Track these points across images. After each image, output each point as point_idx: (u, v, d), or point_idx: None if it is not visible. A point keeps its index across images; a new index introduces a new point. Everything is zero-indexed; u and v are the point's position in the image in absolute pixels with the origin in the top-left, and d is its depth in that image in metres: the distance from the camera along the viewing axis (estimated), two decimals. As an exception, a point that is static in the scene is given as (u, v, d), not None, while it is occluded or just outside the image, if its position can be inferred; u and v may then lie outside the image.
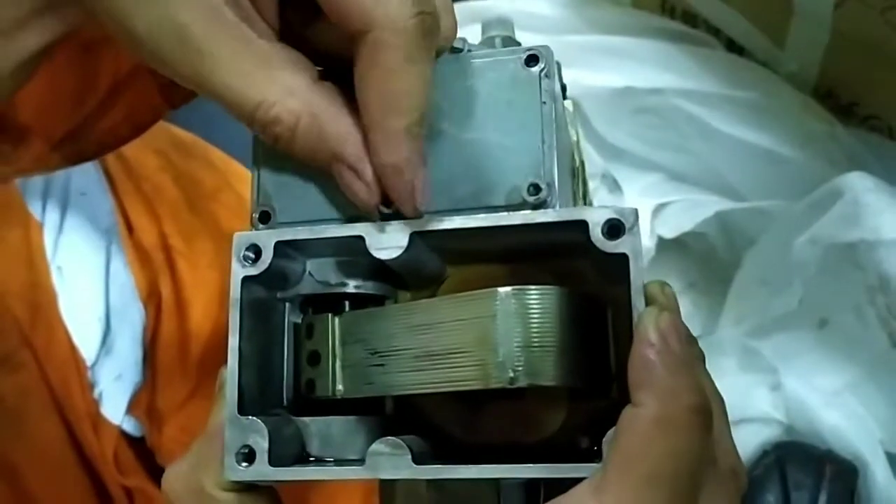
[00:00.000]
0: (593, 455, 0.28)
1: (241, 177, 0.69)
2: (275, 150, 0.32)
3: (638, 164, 0.86)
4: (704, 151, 0.82)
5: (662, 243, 0.84)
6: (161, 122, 0.70)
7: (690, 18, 0.83)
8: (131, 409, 0.60)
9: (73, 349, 0.58)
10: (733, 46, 0.82)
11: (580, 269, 0.31)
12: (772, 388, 0.77)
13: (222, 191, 0.67)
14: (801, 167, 0.77)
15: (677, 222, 0.83)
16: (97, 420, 0.58)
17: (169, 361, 0.61)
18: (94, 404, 0.58)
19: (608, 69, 0.83)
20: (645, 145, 0.85)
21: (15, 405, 0.56)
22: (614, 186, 0.86)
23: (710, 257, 0.88)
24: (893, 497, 0.71)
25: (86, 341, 0.58)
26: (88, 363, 0.59)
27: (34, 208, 0.59)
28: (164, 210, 0.63)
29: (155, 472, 0.61)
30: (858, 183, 0.70)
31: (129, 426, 0.60)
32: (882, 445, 0.73)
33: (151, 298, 0.61)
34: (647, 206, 0.82)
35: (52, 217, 0.59)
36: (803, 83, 0.79)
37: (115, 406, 0.59)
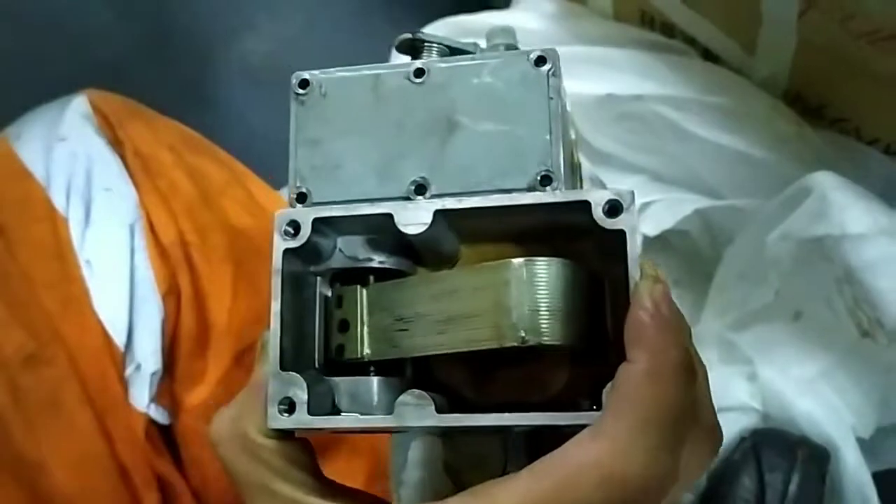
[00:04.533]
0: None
1: (247, 174, 0.71)
2: (309, 136, 0.36)
3: (622, 167, 0.89)
4: (683, 154, 0.85)
5: (647, 242, 0.87)
6: (168, 118, 0.72)
7: (668, 29, 0.87)
8: (157, 398, 0.62)
9: (107, 339, 0.59)
10: (708, 55, 0.86)
11: (582, 249, 0.35)
12: (749, 379, 0.81)
13: (231, 185, 0.68)
14: (772, 167, 0.81)
15: (659, 220, 0.86)
16: (127, 408, 0.59)
17: (187, 353, 0.62)
18: (125, 392, 0.59)
19: (592, 78, 0.87)
20: (628, 149, 0.88)
21: (45, 399, 0.57)
22: (601, 188, 0.90)
23: (692, 255, 0.91)
24: (862, 480, 0.74)
25: (117, 332, 0.60)
26: (122, 351, 0.60)
27: (58, 203, 0.61)
28: (180, 206, 0.64)
29: (179, 461, 0.63)
30: (825, 181, 0.74)
31: (157, 414, 0.62)
32: (853, 431, 0.76)
33: (171, 292, 0.63)
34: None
35: (76, 212, 0.61)
36: (774, 88, 0.82)
37: (140, 393, 0.60)
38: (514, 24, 0.92)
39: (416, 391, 0.31)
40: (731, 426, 0.79)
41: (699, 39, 0.85)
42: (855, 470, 0.74)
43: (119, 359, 0.60)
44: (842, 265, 0.73)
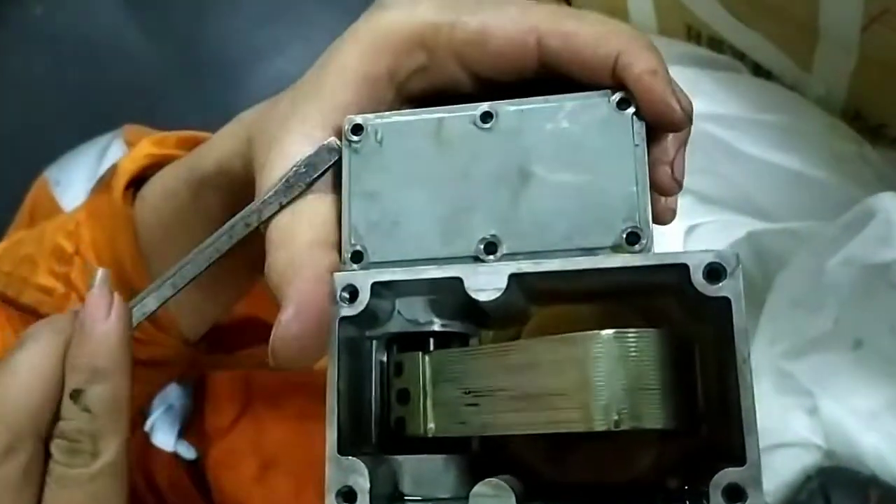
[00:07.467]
0: (685, 496, 0.28)
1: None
2: (365, 188, 0.33)
3: (668, 188, 0.86)
4: (733, 174, 0.82)
5: (692, 267, 0.84)
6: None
7: (716, 44, 0.84)
8: (185, 434, 0.61)
9: None
10: (759, 71, 0.83)
11: (664, 307, 0.31)
12: (809, 412, 0.77)
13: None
14: (830, 188, 0.77)
15: (709, 243, 0.83)
16: (149, 450, 0.58)
17: (218, 388, 0.61)
18: (146, 436, 0.58)
19: (636, 96, 0.84)
20: (675, 170, 0.85)
21: None
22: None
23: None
24: (940, 522, 0.70)
25: None
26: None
27: None
28: None
29: (206, 494, 0.62)
30: (891, 203, 0.70)
31: (183, 450, 0.61)
32: (924, 468, 0.72)
33: None
34: (680, 228, 0.83)
35: None
36: (831, 106, 0.79)
37: (166, 434, 0.59)
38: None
39: (493, 480, 0.28)
40: (793, 463, 0.75)
41: (750, 55, 0.82)
42: (929, 511, 0.70)
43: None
44: (910, 292, 0.70)
